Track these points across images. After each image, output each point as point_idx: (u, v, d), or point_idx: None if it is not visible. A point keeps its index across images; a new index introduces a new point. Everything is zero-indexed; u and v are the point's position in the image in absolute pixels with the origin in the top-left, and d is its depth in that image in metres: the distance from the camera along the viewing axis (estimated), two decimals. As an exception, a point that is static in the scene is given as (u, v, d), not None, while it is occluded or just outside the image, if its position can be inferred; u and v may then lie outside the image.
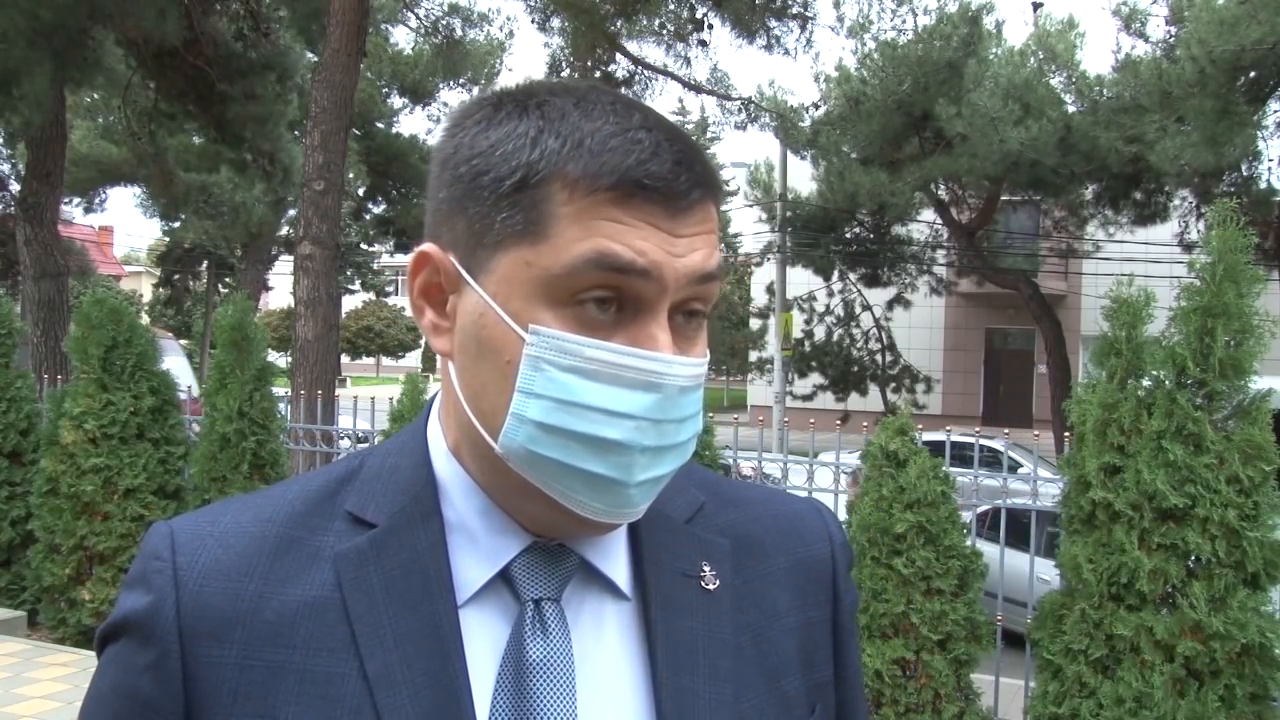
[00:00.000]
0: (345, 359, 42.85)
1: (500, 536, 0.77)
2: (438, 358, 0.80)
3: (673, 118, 0.78)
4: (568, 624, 0.77)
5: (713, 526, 0.86)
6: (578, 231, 0.69)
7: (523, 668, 0.75)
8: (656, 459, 0.73)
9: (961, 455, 6.16)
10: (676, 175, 0.70)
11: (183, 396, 6.67)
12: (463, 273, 0.74)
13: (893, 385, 21.80)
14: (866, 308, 21.86)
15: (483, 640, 0.76)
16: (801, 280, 22.55)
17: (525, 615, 0.76)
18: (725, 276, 0.78)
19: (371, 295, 41.82)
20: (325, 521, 0.79)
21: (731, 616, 0.82)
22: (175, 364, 13.99)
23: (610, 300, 0.71)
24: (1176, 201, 16.17)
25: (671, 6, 13.98)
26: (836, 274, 21.35)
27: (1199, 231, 15.49)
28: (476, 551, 0.77)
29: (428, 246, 0.77)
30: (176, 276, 39.83)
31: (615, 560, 0.81)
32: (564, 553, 0.78)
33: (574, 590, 0.79)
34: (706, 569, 0.83)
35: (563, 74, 15.40)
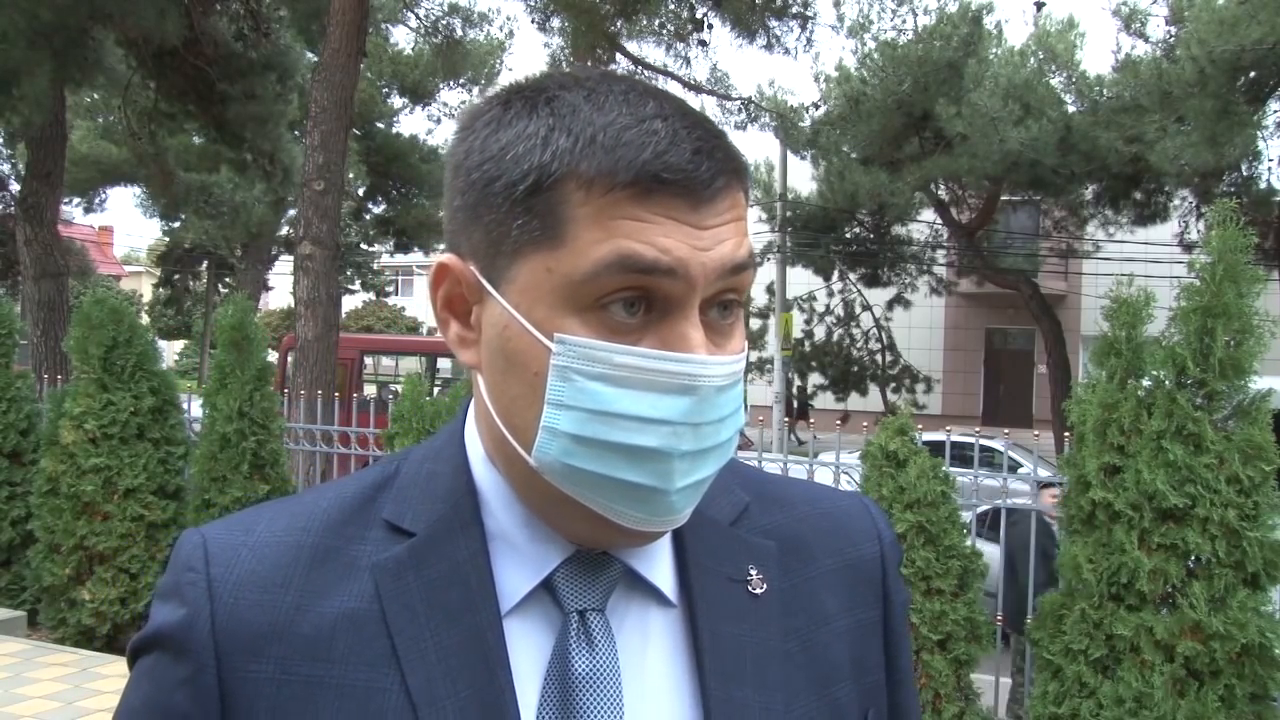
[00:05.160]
0: (345, 359, 42.64)
1: (542, 546, 0.75)
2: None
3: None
4: (613, 635, 0.75)
5: (758, 528, 0.83)
6: (597, 233, 0.66)
7: (569, 681, 0.73)
8: (697, 463, 0.70)
9: (961, 455, 6.16)
10: (697, 165, 0.67)
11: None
12: (484, 283, 0.71)
13: (893, 385, 21.82)
14: (866, 308, 21.86)
15: (526, 652, 0.74)
16: (801, 280, 22.55)
17: (570, 627, 0.74)
18: (755, 264, 0.76)
19: (371, 295, 41.79)
20: (362, 530, 0.76)
21: (780, 622, 0.80)
22: None
23: (637, 302, 0.68)
24: (1176, 201, 16.18)
25: (671, 6, 13.98)
26: (836, 274, 21.36)
27: (1199, 231, 15.49)
28: (518, 561, 0.75)
29: (447, 258, 0.74)
30: (176, 276, 39.82)
31: (660, 566, 0.78)
32: (607, 561, 0.76)
33: (618, 598, 0.76)
34: (753, 573, 0.80)
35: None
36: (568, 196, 0.67)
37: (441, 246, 0.79)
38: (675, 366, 0.68)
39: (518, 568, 0.75)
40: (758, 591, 0.80)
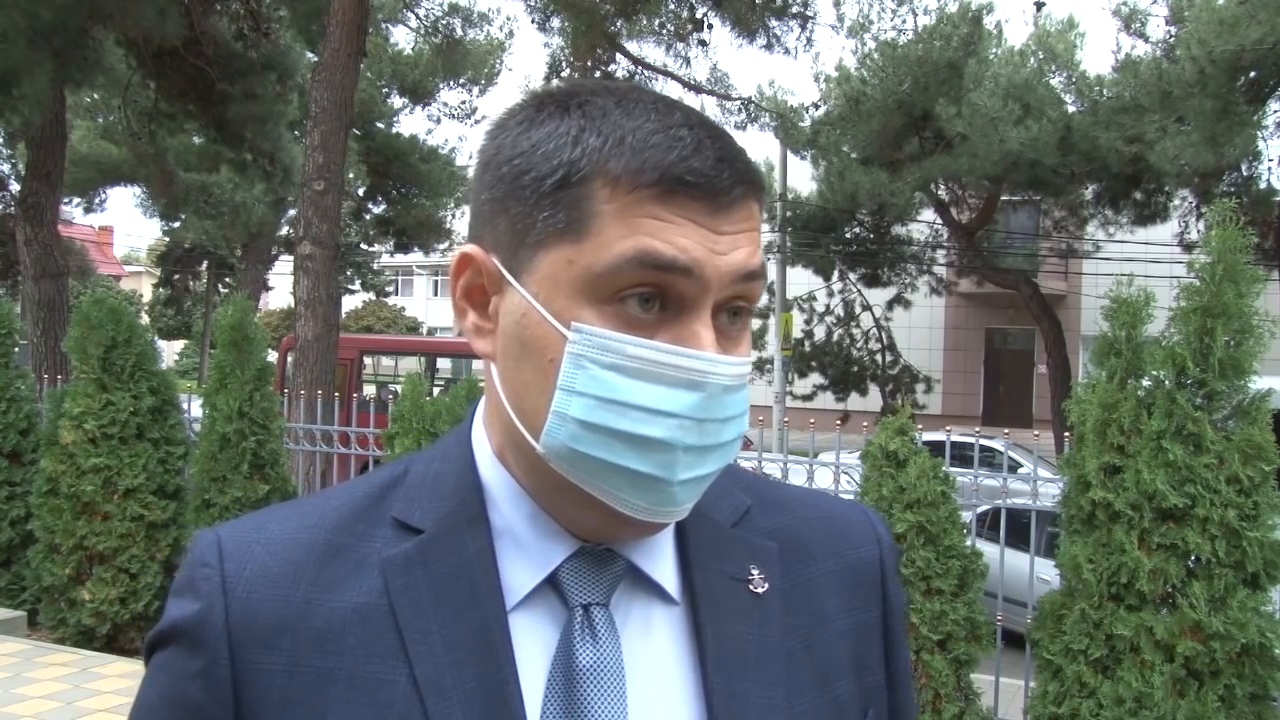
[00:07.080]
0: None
1: (548, 542, 0.77)
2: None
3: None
4: (617, 629, 0.77)
5: (759, 530, 0.85)
6: (620, 229, 0.69)
7: (573, 673, 0.74)
8: (700, 458, 0.72)
9: (961, 455, 6.16)
10: (719, 172, 0.70)
11: None
12: (505, 273, 0.74)
13: (893, 385, 21.80)
14: (866, 308, 21.85)
15: (531, 646, 0.76)
16: (801, 280, 22.54)
17: (574, 621, 0.76)
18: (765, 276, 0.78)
19: (371, 295, 41.79)
20: (371, 528, 0.78)
21: (781, 620, 0.81)
22: None
23: (653, 298, 0.70)
24: (1176, 201, 16.19)
25: (671, 6, 13.98)
26: (836, 274, 21.35)
27: (1199, 231, 15.50)
28: (524, 557, 0.77)
29: (470, 248, 0.76)
30: (176, 276, 39.82)
31: (663, 564, 0.80)
32: (611, 557, 0.78)
33: (622, 595, 0.78)
34: (755, 572, 0.82)
35: (563, 74, 15.40)
36: (594, 193, 0.70)
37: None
38: (686, 362, 0.70)
39: (523, 563, 0.77)
40: (759, 591, 0.82)
